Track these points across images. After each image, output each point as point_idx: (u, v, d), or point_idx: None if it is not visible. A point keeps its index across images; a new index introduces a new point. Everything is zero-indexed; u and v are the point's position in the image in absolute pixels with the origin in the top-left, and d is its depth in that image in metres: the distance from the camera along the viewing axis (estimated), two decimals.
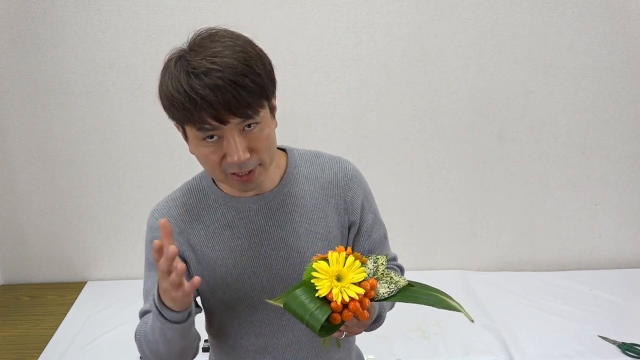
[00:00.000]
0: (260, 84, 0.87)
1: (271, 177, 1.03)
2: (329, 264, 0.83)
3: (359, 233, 1.09)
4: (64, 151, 1.98)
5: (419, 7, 1.86)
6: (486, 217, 2.08)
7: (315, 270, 0.82)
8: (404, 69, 1.92)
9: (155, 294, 0.93)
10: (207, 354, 1.63)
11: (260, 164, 0.93)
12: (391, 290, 0.87)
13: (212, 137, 0.89)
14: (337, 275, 0.82)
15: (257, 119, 0.89)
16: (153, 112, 1.95)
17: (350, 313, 0.81)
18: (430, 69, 1.92)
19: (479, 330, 1.70)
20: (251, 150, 0.90)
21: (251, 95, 0.86)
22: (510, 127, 1.99)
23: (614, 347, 1.60)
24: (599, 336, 1.65)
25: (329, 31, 1.88)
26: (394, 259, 1.18)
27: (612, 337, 1.63)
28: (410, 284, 0.89)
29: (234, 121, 0.86)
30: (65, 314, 1.86)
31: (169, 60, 0.91)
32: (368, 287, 0.82)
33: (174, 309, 0.91)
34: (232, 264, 1.04)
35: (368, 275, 0.86)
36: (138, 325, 1.07)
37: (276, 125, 0.97)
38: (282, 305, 0.84)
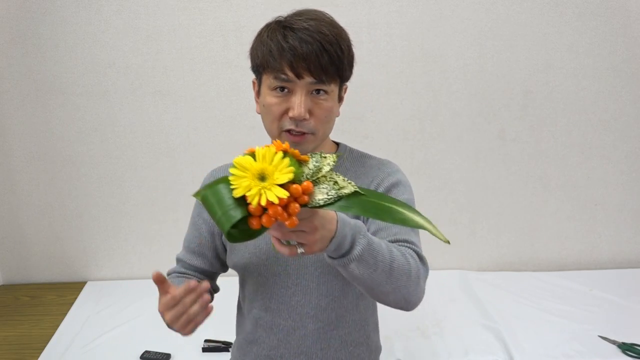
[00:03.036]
0: (341, 59, 0.98)
1: None
2: (255, 160, 0.71)
3: None
4: (64, 151, 1.98)
5: (419, 7, 1.86)
6: (486, 217, 2.08)
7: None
8: (404, 69, 1.92)
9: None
10: (207, 354, 1.63)
11: (312, 133, 1.01)
12: (329, 197, 0.72)
13: (282, 89, 0.98)
14: (260, 174, 0.70)
15: (326, 88, 0.98)
16: (153, 112, 1.95)
17: (271, 218, 0.69)
18: (430, 69, 1.92)
19: (479, 330, 1.70)
20: (311, 114, 0.99)
21: (330, 63, 0.96)
22: (510, 127, 1.99)
23: (614, 347, 1.60)
24: (599, 336, 1.65)
25: None
26: (409, 242, 1.03)
27: (612, 337, 1.63)
28: (358, 192, 0.74)
29: (307, 79, 0.96)
30: (65, 314, 1.86)
31: (272, 20, 1.03)
32: (299, 191, 0.70)
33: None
34: None
35: (305, 176, 0.75)
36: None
37: (338, 115, 1.07)
38: (200, 199, 0.75)
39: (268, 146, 0.72)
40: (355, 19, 1.87)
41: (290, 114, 0.98)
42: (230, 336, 1.55)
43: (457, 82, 1.94)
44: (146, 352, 1.63)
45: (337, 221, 0.81)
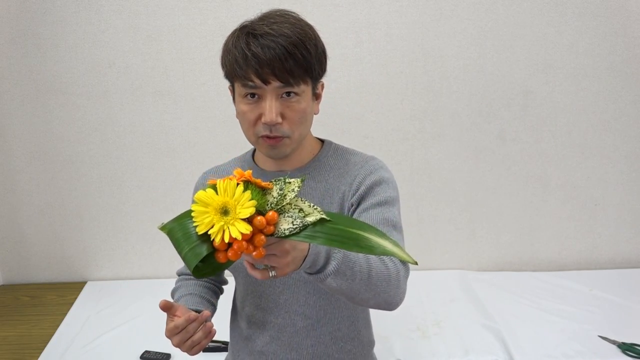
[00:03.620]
0: (307, 59, 0.97)
1: (301, 159, 1.10)
2: (216, 192, 0.71)
3: (355, 212, 1.06)
4: (64, 151, 1.98)
5: (419, 7, 1.86)
6: (486, 217, 2.08)
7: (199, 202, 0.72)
8: (404, 69, 1.92)
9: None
10: (207, 354, 1.63)
11: (287, 137, 1.01)
12: (295, 226, 0.72)
13: (253, 96, 0.98)
14: (223, 208, 0.70)
15: (296, 89, 0.98)
16: (153, 112, 1.95)
17: (236, 253, 0.70)
18: (430, 69, 1.92)
19: (479, 330, 1.70)
20: (283, 117, 0.99)
21: (296, 65, 0.96)
22: (510, 127, 1.99)
23: (614, 347, 1.60)
24: (599, 336, 1.65)
25: (329, 31, 1.87)
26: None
27: (612, 337, 1.63)
28: (325, 219, 0.74)
29: (275, 84, 0.96)
30: (65, 314, 1.86)
31: (237, 27, 1.03)
32: (263, 223, 0.70)
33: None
34: None
35: (270, 204, 0.74)
36: (176, 281, 1.27)
37: (317, 112, 1.07)
38: (166, 232, 0.77)
39: (230, 178, 0.71)
40: (355, 19, 1.87)
41: (263, 119, 0.98)
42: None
43: (457, 82, 1.94)
44: (146, 352, 1.63)
45: None
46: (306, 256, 0.80)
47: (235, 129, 1.95)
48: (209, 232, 0.70)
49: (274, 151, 1.03)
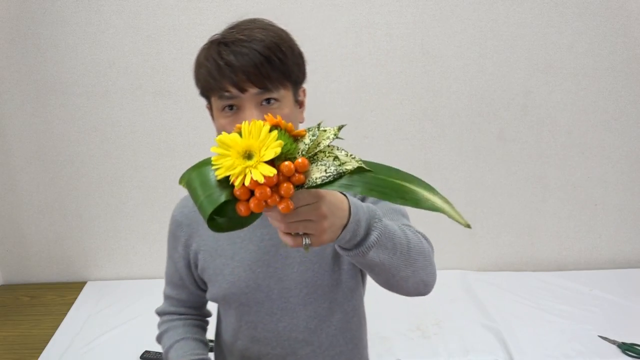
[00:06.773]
0: (284, 62, 0.91)
1: None
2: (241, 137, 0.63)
3: None
4: (64, 151, 1.98)
5: (419, 7, 1.86)
6: (486, 217, 2.08)
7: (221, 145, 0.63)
8: (404, 69, 1.92)
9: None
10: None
11: None
12: (328, 175, 0.62)
13: (231, 108, 0.91)
14: (246, 151, 0.62)
15: (276, 95, 0.91)
16: (153, 112, 1.95)
17: (259, 202, 0.60)
18: (430, 69, 1.92)
19: (479, 330, 1.70)
20: None
21: (272, 69, 0.89)
22: (510, 127, 1.99)
23: (614, 347, 1.60)
24: (599, 336, 1.65)
25: (329, 31, 1.88)
26: (405, 225, 0.92)
27: (612, 337, 1.63)
28: (364, 168, 0.65)
29: (252, 91, 0.89)
30: (65, 314, 1.86)
31: (208, 40, 0.96)
32: (291, 169, 0.61)
33: None
34: (230, 255, 1.04)
35: (301, 152, 0.65)
36: (159, 322, 1.18)
37: (302, 120, 1.00)
38: (185, 184, 0.68)
39: (256, 121, 0.63)
40: (355, 19, 1.87)
41: None
42: None
43: (457, 82, 1.94)
44: (146, 352, 1.63)
45: (349, 205, 0.72)
46: (345, 225, 0.71)
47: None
48: (229, 177, 0.61)
49: None
